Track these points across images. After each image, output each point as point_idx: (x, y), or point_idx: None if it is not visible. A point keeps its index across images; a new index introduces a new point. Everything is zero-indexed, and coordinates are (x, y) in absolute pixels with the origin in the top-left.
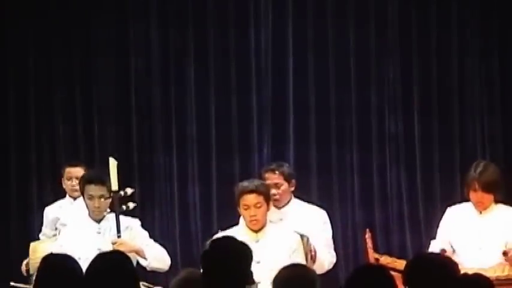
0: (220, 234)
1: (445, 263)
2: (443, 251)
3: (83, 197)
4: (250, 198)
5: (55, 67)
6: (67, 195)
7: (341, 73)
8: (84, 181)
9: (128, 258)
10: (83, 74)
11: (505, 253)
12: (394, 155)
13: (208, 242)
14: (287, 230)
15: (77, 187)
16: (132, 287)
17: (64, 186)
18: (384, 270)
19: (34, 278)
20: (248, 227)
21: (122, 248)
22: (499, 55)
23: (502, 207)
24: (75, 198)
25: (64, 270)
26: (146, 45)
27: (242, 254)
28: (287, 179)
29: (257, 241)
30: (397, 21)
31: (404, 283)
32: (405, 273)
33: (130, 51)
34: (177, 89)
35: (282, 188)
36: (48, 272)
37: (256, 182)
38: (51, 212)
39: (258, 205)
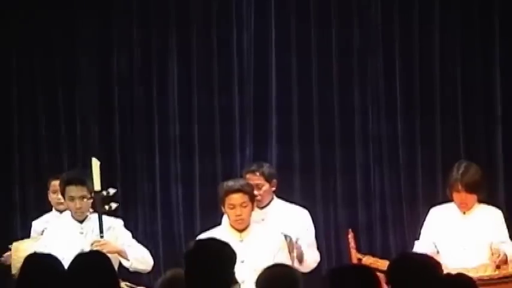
0: (204, 235)
1: (427, 263)
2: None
3: (64, 198)
4: (236, 198)
5: (38, 67)
6: (53, 209)
7: (324, 73)
8: (64, 182)
9: (107, 258)
10: (65, 74)
11: (498, 266)
12: (377, 155)
13: (191, 243)
14: (271, 229)
15: (62, 200)
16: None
17: (50, 199)
18: (369, 270)
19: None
20: (232, 227)
21: (104, 249)
22: (482, 55)
23: (485, 207)
24: (61, 212)
25: (47, 269)
26: (128, 45)
27: (226, 255)
28: (268, 179)
29: (241, 240)
30: (380, 21)
31: (387, 283)
32: (388, 273)
33: (113, 51)
34: (160, 89)
35: (263, 188)
36: (31, 270)
37: (241, 182)
38: (38, 226)
39: (244, 204)
